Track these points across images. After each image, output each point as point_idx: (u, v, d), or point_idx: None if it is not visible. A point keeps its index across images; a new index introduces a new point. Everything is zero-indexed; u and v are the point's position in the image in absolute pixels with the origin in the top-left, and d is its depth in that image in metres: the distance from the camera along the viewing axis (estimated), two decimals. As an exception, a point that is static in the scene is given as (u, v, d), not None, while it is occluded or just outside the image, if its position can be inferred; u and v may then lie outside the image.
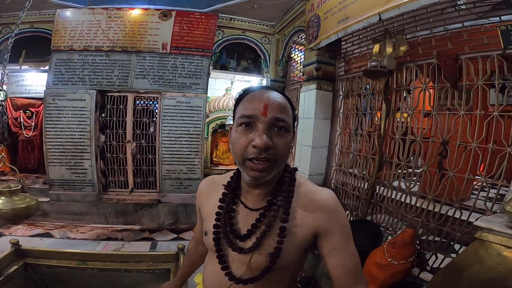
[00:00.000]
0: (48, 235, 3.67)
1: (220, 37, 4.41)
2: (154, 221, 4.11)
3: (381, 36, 2.32)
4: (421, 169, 2.20)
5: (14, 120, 4.82)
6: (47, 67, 4.01)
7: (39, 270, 2.06)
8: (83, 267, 2.05)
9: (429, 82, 2.17)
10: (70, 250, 2.11)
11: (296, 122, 0.79)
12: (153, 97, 4.20)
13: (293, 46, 4.28)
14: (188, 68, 4.12)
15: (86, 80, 3.95)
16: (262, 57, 4.59)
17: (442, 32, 2.12)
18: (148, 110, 4.26)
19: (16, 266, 1.96)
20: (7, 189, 1.82)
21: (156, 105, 4.26)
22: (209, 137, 5.07)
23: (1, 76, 1.77)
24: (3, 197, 1.82)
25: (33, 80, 4.82)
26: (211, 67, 4.27)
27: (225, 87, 5.22)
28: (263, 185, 0.76)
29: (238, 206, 0.80)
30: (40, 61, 4.30)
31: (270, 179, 0.72)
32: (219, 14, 4.16)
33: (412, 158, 2.36)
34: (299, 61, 4.27)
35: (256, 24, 4.48)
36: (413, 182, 2.29)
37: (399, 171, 2.39)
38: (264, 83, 4.62)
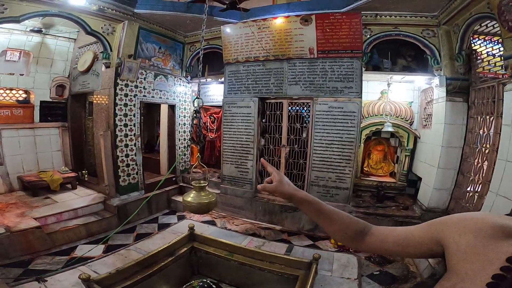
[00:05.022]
0: (212, 223, 4.38)
1: (367, 36, 3.89)
2: (294, 225, 4.16)
3: None
4: None
5: (204, 125, 6.17)
6: (222, 79, 4.83)
7: (199, 255, 2.37)
8: (228, 258, 2.23)
9: None
10: (224, 241, 2.34)
11: None
12: (305, 103, 4.25)
13: (473, 36, 3.27)
14: (338, 71, 3.90)
15: (250, 89, 4.49)
16: (428, 52, 3.69)
17: None
18: (300, 115, 4.35)
19: (186, 249, 2.32)
20: (198, 185, 1.96)
21: (305, 111, 4.30)
22: (362, 144, 4.63)
23: (198, 87, 2.24)
24: (193, 192, 1.97)
25: (214, 91, 5.97)
26: (363, 69, 3.87)
27: (379, 89, 4.66)
28: None
29: None
30: (218, 73, 5.20)
31: None
32: (361, 12, 3.70)
33: None
34: (487, 54, 3.17)
35: (410, 17, 3.70)
36: None
37: None
38: (436, 82, 3.70)
